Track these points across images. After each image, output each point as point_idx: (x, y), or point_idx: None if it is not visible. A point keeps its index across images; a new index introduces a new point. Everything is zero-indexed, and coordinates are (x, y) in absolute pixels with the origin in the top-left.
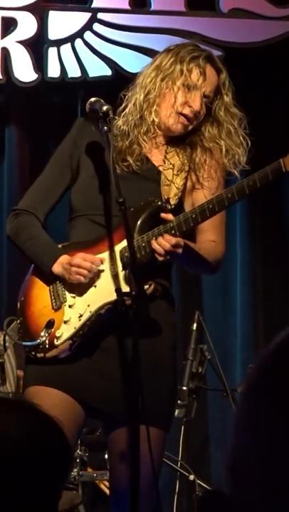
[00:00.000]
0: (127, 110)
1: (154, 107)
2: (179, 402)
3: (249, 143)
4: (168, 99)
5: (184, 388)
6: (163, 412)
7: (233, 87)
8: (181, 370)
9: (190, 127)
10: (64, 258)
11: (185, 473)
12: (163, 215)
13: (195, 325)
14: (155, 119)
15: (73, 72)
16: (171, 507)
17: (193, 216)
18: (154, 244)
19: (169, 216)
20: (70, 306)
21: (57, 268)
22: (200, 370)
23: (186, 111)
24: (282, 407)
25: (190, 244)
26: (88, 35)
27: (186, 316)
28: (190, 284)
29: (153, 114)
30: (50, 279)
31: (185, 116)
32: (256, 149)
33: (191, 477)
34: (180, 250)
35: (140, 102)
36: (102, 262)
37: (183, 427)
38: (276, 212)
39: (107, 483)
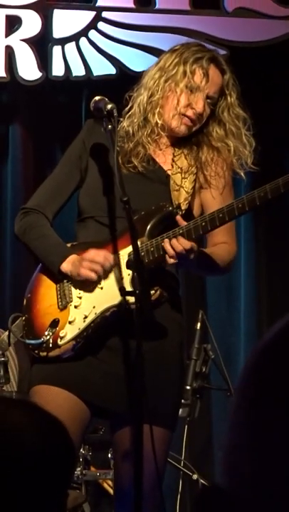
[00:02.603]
0: (131, 111)
1: (158, 108)
2: (182, 401)
3: (254, 144)
4: (171, 101)
5: (188, 388)
6: (169, 411)
7: (238, 87)
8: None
9: (194, 128)
10: (73, 257)
11: (188, 472)
12: (178, 217)
13: (199, 324)
14: (158, 121)
15: (78, 70)
16: (174, 506)
17: (203, 224)
18: (166, 245)
19: (183, 222)
20: (75, 307)
21: (66, 266)
22: (204, 369)
23: (189, 113)
24: (282, 399)
25: (203, 251)
26: (93, 34)
27: (189, 315)
28: (193, 282)
29: (156, 116)
30: (57, 277)
31: (188, 117)
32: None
33: (195, 476)
34: (192, 256)
35: (144, 104)
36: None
37: (186, 427)
38: (280, 207)
39: (110, 483)
